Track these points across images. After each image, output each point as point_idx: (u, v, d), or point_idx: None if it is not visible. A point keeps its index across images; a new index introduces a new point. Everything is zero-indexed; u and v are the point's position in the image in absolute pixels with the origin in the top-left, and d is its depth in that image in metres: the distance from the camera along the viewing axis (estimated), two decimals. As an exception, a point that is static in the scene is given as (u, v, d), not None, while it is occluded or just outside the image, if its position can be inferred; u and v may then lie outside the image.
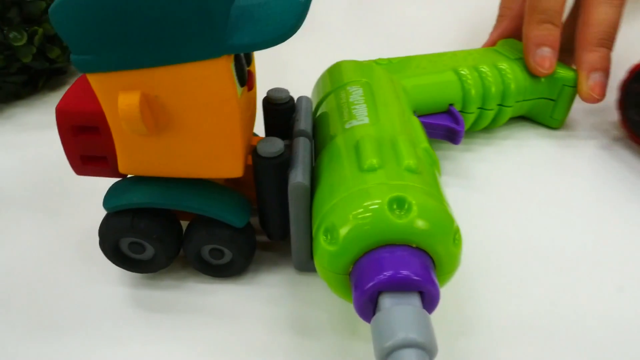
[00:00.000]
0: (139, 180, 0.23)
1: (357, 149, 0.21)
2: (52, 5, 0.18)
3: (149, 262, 0.24)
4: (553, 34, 0.32)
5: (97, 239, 0.23)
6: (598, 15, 0.32)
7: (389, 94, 0.26)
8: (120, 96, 0.19)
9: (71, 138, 0.22)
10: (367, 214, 0.18)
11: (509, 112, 0.32)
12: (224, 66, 0.19)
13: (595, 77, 0.31)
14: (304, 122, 0.24)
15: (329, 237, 0.18)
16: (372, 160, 0.20)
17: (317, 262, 0.19)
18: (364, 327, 0.21)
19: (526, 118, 0.35)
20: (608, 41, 0.32)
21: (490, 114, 0.31)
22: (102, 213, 0.23)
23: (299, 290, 0.23)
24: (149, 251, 0.23)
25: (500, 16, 0.40)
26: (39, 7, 0.36)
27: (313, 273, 0.24)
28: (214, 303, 0.23)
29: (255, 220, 0.24)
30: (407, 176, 0.19)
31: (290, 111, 0.25)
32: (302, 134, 0.23)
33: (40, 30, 0.36)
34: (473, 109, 0.31)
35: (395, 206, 0.18)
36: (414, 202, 0.18)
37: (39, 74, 0.39)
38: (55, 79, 0.41)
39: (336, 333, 0.22)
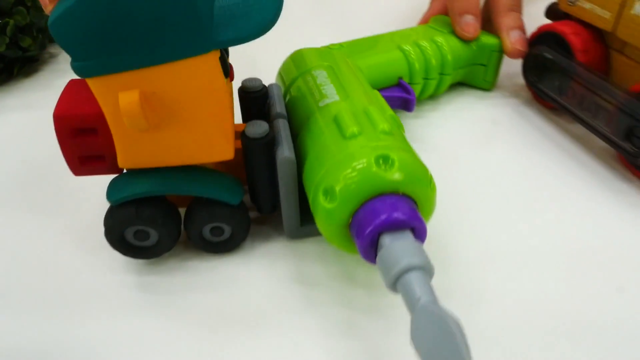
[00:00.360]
0: (138, 172, 0.24)
1: (336, 121, 0.24)
2: (51, 19, 0.19)
3: (154, 247, 0.25)
4: (472, 3, 0.37)
5: (91, 230, 0.25)
6: None
7: (350, 73, 0.29)
8: (120, 96, 0.20)
9: (69, 141, 0.23)
10: (358, 172, 0.21)
11: (448, 80, 0.36)
12: (212, 60, 0.21)
13: (515, 34, 0.36)
14: (279, 106, 0.27)
15: (328, 197, 0.21)
16: (352, 128, 0.23)
17: (319, 221, 0.22)
18: (360, 276, 0.25)
19: (464, 84, 0.39)
20: (516, 6, 0.37)
21: (433, 83, 0.36)
22: (89, 204, 0.25)
23: (294, 254, 0.26)
24: (153, 237, 0.25)
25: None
26: (9, 1, 0.40)
27: (304, 239, 0.27)
28: (218, 276, 0.25)
29: (246, 199, 0.26)
30: (384, 138, 0.22)
31: (264, 98, 0.27)
32: (280, 116, 0.26)
33: (12, 22, 0.40)
34: (419, 79, 0.35)
35: (381, 162, 0.21)
36: (395, 157, 0.21)
37: (13, 62, 0.43)
38: (28, 66, 0.45)
39: (334, 283, 0.25)
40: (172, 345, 0.23)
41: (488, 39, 0.37)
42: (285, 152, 0.23)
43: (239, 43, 0.21)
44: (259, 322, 0.23)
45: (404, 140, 0.23)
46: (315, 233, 0.26)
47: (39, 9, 0.43)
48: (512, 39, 0.36)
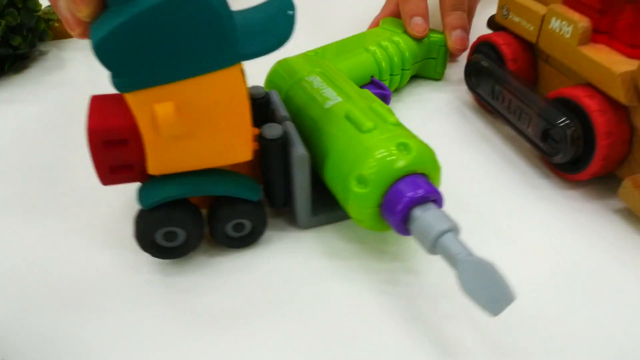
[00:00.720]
0: (166, 178, 0.25)
1: (350, 119, 0.27)
2: (96, 41, 0.21)
3: (181, 247, 0.27)
4: (421, 5, 0.41)
5: (103, 232, 0.27)
6: None
7: (339, 77, 0.32)
8: (156, 107, 0.22)
9: (102, 152, 0.24)
10: (384, 159, 0.25)
11: (408, 74, 0.41)
12: (237, 71, 0.23)
13: (455, 33, 0.41)
14: (282, 110, 0.29)
15: (361, 184, 0.25)
16: (368, 123, 0.26)
17: (353, 206, 0.26)
18: (377, 252, 0.28)
19: (418, 76, 0.44)
20: (460, 5, 0.42)
21: (397, 78, 0.40)
22: (90, 202, 0.28)
23: (309, 240, 0.29)
24: (181, 237, 0.26)
25: (386, 3, 0.48)
26: (1, 3, 0.44)
27: (316, 228, 0.30)
28: (242, 268, 0.28)
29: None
30: (395, 129, 0.26)
31: (267, 104, 0.30)
32: (286, 118, 0.29)
33: (3, 22, 0.44)
34: (386, 76, 0.39)
35: (402, 148, 0.25)
36: (411, 144, 0.25)
37: (4, 60, 0.47)
38: (19, 63, 0.49)
39: (356, 257, 0.28)
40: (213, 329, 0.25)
41: (436, 36, 0.42)
42: (300, 149, 0.26)
43: (259, 56, 0.24)
44: (298, 291, 0.27)
45: (407, 129, 0.27)
46: (324, 222, 0.30)
47: (30, 10, 0.46)
48: (453, 38, 0.41)
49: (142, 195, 0.26)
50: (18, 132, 0.40)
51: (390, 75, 0.39)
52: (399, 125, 0.27)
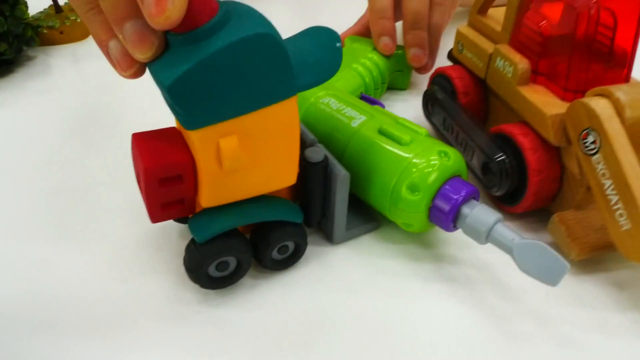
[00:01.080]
0: (215, 209, 0.26)
1: (386, 134, 0.31)
2: (170, 82, 0.21)
3: (231, 275, 0.28)
4: (388, 26, 0.45)
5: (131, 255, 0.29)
6: (409, 5, 0.45)
7: (347, 95, 0.36)
8: (221, 142, 0.23)
9: (156, 190, 0.24)
10: (431, 166, 0.29)
11: (385, 86, 0.47)
12: (294, 102, 0.25)
13: (413, 50, 0.45)
14: (309, 134, 0.31)
15: (412, 191, 0.29)
16: (405, 137, 0.30)
17: (404, 212, 0.30)
18: (399, 257, 0.32)
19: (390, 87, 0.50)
20: (419, 24, 0.45)
21: (379, 91, 0.45)
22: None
23: (345, 253, 0.32)
24: (232, 266, 0.28)
25: (354, 24, 0.51)
26: None
27: (348, 243, 0.33)
28: (288, 289, 0.30)
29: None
30: (428, 139, 0.31)
31: None
32: (315, 141, 0.31)
33: None
34: (372, 91, 0.44)
35: (443, 155, 0.30)
36: (449, 150, 0.30)
37: None
38: (4, 68, 0.52)
39: (393, 260, 0.32)
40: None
41: (403, 51, 0.47)
42: (342, 170, 0.29)
43: (315, 86, 0.25)
44: (356, 287, 0.30)
45: (435, 138, 0.32)
46: (355, 235, 0.33)
47: (17, 18, 0.48)
48: (410, 55, 0.46)
49: (196, 228, 0.26)
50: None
51: (375, 89, 0.45)
52: (427, 135, 0.32)
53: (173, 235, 0.33)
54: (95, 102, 0.47)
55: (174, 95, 0.21)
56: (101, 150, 0.42)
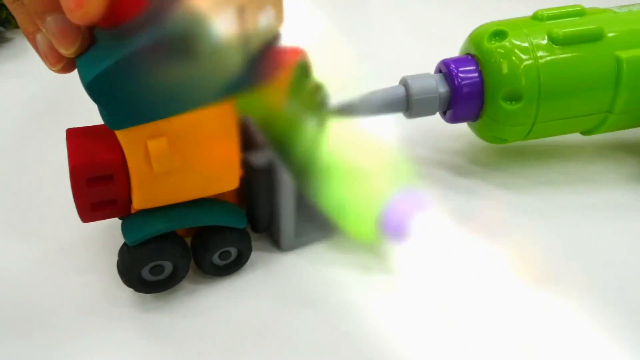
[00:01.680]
0: (150, 211, 0.25)
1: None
2: (89, 79, 0.21)
3: (167, 280, 0.27)
4: None
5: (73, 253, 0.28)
6: None
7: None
8: (150, 143, 0.22)
9: (84, 189, 0.24)
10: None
11: None
12: (230, 103, 0.24)
13: None
14: (260, 136, 0.29)
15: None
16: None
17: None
18: (348, 267, 0.30)
19: None
20: None
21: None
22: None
23: (293, 260, 0.31)
24: (167, 270, 0.27)
25: None
26: None
27: (298, 250, 0.31)
28: (229, 296, 0.28)
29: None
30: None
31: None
32: (265, 145, 0.29)
33: None
34: None
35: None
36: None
37: None
38: None
39: (343, 271, 0.30)
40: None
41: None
42: (287, 177, 0.27)
43: (251, 89, 0.24)
44: (300, 297, 0.29)
45: None
46: (305, 243, 0.31)
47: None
48: None
49: (127, 230, 0.25)
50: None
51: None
52: None
53: (117, 233, 0.32)
54: (62, 93, 0.45)
55: (93, 93, 0.21)
56: (59, 143, 0.41)
